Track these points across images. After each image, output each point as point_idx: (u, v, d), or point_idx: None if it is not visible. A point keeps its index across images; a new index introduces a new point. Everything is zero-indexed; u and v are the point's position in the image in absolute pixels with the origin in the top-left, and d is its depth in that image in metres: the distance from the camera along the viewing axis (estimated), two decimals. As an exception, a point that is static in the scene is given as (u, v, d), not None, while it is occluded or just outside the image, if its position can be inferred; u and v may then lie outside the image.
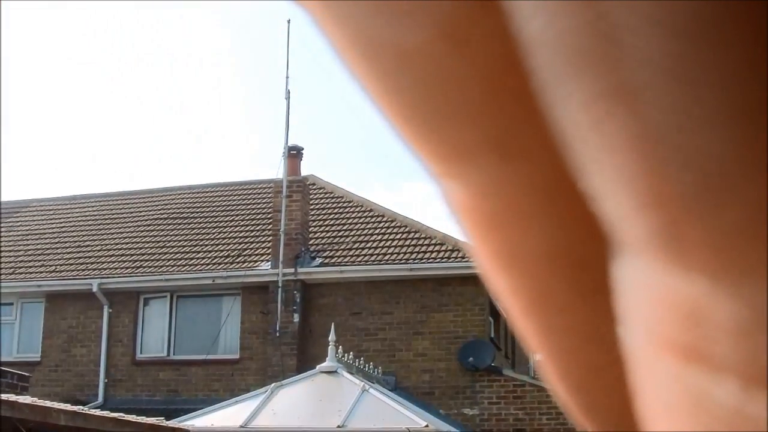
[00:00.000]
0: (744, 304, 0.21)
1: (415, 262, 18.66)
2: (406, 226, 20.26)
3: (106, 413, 11.14)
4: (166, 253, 21.47)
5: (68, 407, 10.59)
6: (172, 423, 12.68)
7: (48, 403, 10.26)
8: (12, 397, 9.77)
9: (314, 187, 22.09)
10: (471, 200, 0.26)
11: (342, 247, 20.07)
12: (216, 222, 22.59)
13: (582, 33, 0.21)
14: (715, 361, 0.22)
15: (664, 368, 0.23)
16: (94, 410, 11.83)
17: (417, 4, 0.24)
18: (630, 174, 0.21)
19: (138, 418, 11.55)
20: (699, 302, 0.22)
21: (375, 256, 19.41)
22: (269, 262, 19.72)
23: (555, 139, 0.23)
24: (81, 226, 23.80)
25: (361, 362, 16.17)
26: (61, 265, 21.84)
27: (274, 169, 21.50)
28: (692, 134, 0.20)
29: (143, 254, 21.67)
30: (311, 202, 20.99)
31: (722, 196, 0.21)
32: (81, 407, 11.86)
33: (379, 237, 20.12)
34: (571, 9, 0.21)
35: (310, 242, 20.19)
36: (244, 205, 23.35)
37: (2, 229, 23.82)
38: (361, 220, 21.12)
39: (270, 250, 19.98)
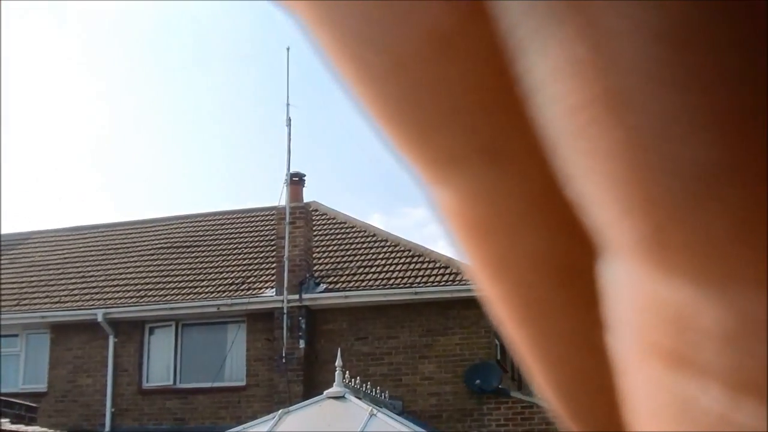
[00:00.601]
0: (730, 310, 0.21)
1: (420, 285, 18.69)
2: (409, 250, 20.29)
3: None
4: (170, 282, 21.50)
5: (79, 436, 10.60)
6: (182, 450, 12.68)
7: (58, 433, 10.26)
8: (22, 428, 9.79)
9: (317, 214, 22.15)
10: (460, 206, 0.26)
11: (346, 272, 20.11)
12: (219, 250, 22.63)
13: (571, 39, 0.21)
14: (701, 367, 0.22)
15: (651, 374, 0.23)
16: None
17: (408, 10, 0.24)
18: (615, 180, 0.21)
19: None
20: (685, 308, 0.22)
21: (379, 280, 19.44)
22: (273, 289, 19.74)
23: (544, 146, 0.23)
24: (85, 256, 23.85)
25: (367, 387, 16.17)
26: (65, 296, 21.86)
27: (277, 197, 21.48)
28: (679, 141, 0.20)
29: (147, 283, 21.69)
30: (314, 229, 21.04)
31: (709, 202, 0.20)
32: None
33: (383, 261, 20.15)
34: (560, 15, 0.21)
35: (314, 268, 20.22)
36: (247, 232, 23.40)
37: (6, 261, 23.86)
38: (364, 245, 21.16)
39: (274, 276, 20.00)
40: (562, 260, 0.26)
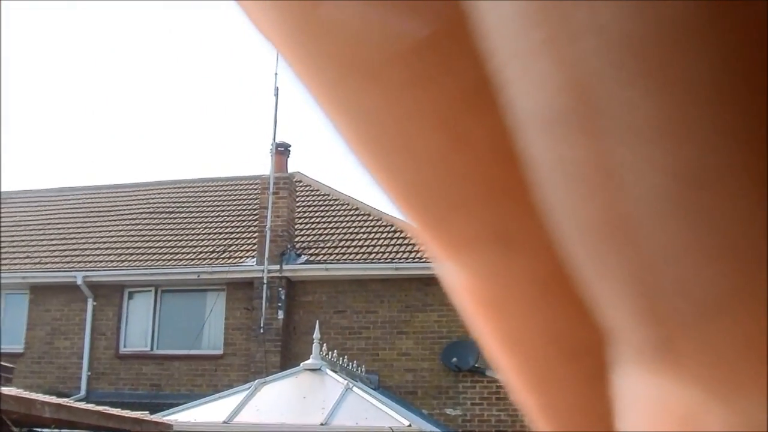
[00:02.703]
0: (737, 416, 0.22)
1: (401, 261, 18.69)
2: (392, 225, 20.25)
3: (90, 406, 11.14)
4: (151, 248, 21.46)
5: (53, 399, 10.59)
6: (156, 417, 12.68)
7: (33, 395, 10.26)
8: (-3, 388, 9.77)
9: (301, 185, 22.10)
10: (473, 286, 0.27)
11: (327, 244, 20.09)
12: (202, 217, 22.59)
13: (582, 163, 0.21)
14: None
15: None
16: (78, 403, 11.83)
17: (426, 105, 0.25)
18: (626, 292, 0.22)
19: (122, 411, 11.55)
20: (694, 409, 0.22)
21: (360, 254, 19.43)
22: (254, 259, 19.73)
23: (556, 235, 0.24)
24: (67, 218, 23.76)
25: (344, 360, 16.20)
26: (46, 257, 21.80)
27: (261, 166, 21.48)
28: (688, 267, 0.21)
29: (128, 248, 21.64)
30: (297, 200, 21.00)
31: (716, 323, 0.21)
32: (66, 400, 11.86)
33: (365, 235, 20.15)
34: (572, 139, 0.21)
35: (296, 239, 20.21)
36: (230, 200, 23.34)
37: (-13, 220, 23.77)
38: (347, 218, 21.14)
39: (255, 246, 19.99)
40: (573, 339, 0.27)
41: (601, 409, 0.27)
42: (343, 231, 20.57)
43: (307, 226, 20.91)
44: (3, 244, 22.51)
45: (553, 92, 0.21)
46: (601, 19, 0.20)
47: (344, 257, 19.49)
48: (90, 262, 21.26)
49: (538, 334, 0.27)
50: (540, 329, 0.27)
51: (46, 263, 21.52)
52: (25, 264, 21.58)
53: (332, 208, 21.79)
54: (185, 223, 22.46)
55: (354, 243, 19.94)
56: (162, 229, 22.35)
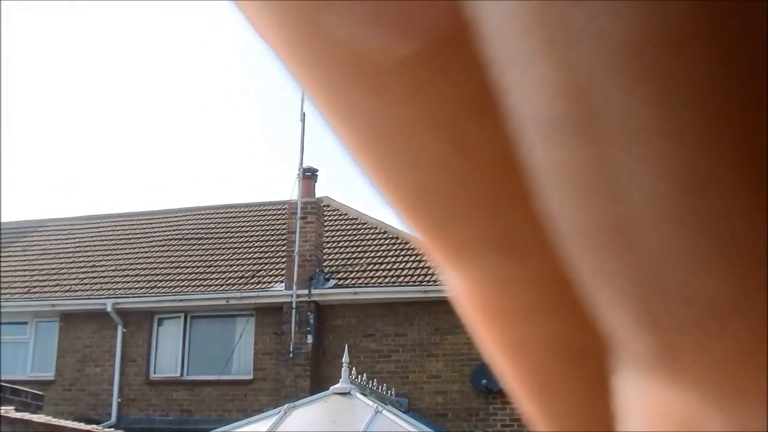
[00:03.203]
0: (736, 421, 0.22)
1: (429, 284, 18.64)
2: (420, 248, 20.21)
3: (120, 432, 11.15)
4: (180, 274, 21.51)
5: (82, 426, 10.62)
6: (186, 443, 12.68)
7: (62, 422, 10.29)
8: (27, 416, 9.80)
9: (329, 209, 22.12)
10: (473, 292, 0.27)
11: (356, 268, 20.08)
12: (230, 243, 22.63)
13: (582, 168, 0.21)
14: None
15: None
16: (109, 430, 11.85)
17: (427, 111, 0.25)
18: (627, 298, 0.22)
19: (152, 437, 11.55)
20: (693, 415, 0.22)
21: (389, 278, 19.41)
22: (283, 284, 19.74)
23: (557, 241, 0.24)
24: (96, 246, 23.87)
25: (374, 384, 16.14)
26: (75, 284, 21.90)
27: (289, 191, 21.52)
28: (687, 273, 0.21)
29: (157, 274, 21.71)
30: (325, 224, 21.02)
31: (715, 327, 0.21)
32: (95, 426, 11.88)
33: (393, 259, 20.12)
34: (571, 144, 0.21)
35: (324, 264, 20.20)
36: (258, 226, 23.39)
37: (18, 249, 23.92)
38: (375, 242, 21.13)
39: (284, 271, 20.00)
40: (574, 346, 0.27)
41: (602, 415, 0.27)
42: (372, 254, 20.55)
43: (335, 251, 20.92)
44: (33, 272, 22.64)
45: (552, 96, 0.21)
46: (600, 22, 0.20)
47: (373, 281, 19.47)
48: (119, 289, 21.35)
49: (538, 340, 0.28)
50: (541, 335, 0.27)
51: (76, 291, 21.62)
52: (55, 292, 21.70)
53: (360, 232, 21.80)
54: (214, 249, 22.51)
55: (382, 266, 19.92)
56: (191, 256, 22.41)
